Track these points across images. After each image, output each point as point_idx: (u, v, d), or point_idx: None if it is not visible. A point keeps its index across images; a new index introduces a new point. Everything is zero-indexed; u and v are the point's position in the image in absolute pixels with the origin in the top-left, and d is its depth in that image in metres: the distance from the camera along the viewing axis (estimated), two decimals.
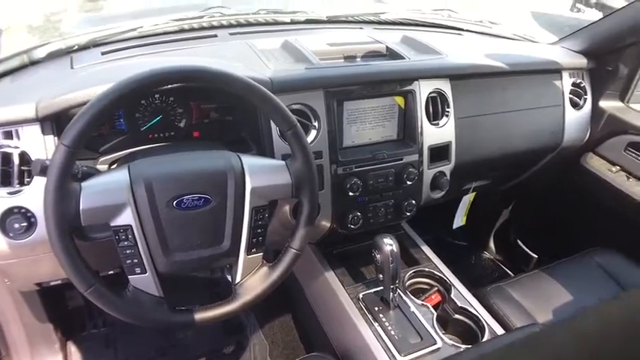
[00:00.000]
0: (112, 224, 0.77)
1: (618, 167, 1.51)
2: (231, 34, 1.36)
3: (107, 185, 0.78)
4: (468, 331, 1.15)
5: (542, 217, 1.79)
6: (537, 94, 1.44)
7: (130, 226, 0.77)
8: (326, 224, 1.18)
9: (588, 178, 1.56)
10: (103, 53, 1.19)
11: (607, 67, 1.51)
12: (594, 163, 1.56)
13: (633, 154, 1.48)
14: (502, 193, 1.80)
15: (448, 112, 1.25)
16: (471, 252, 1.93)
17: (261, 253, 0.90)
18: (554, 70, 1.46)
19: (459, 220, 1.59)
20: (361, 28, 1.52)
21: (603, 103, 1.54)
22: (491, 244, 1.92)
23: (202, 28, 1.37)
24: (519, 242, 1.84)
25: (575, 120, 1.51)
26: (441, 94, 1.24)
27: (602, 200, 1.54)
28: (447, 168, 1.28)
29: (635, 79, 1.52)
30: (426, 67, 1.22)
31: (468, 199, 1.55)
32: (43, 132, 0.90)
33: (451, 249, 1.94)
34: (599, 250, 1.44)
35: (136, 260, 0.79)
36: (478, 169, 1.43)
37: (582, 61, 1.49)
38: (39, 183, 0.86)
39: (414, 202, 1.23)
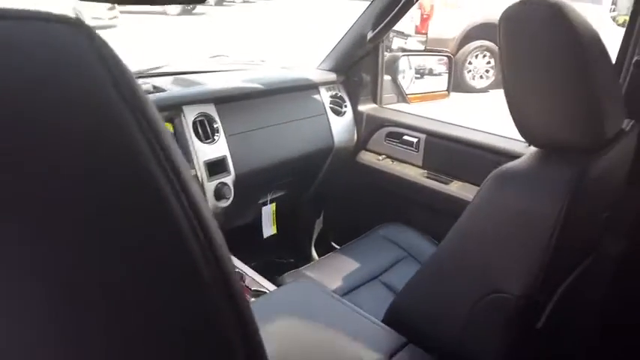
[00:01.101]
0: None
1: (384, 155, 1.81)
2: None
3: None
4: None
5: (347, 216, 2.03)
6: (301, 107, 1.70)
7: None
8: None
9: (365, 170, 1.84)
10: None
11: (354, 79, 1.83)
12: (366, 157, 1.85)
13: (391, 142, 1.78)
14: (311, 204, 2.02)
15: (217, 129, 1.45)
16: (298, 267, 2.11)
17: None
18: (312, 86, 1.75)
19: (268, 229, 1.77)
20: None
21: (362, 107, 1.85)
22: (314, 254, 2.11)
23: None
24: (334, 245, 2.06)
25: (340, 125, 1.79)
26: (207, 116, 1.44)
27: (380, 186, 1.82)
28: (228, 179, 1.46)
29: (379, 84, 1.86)
30: (184, 95, 1.42)
31: (268, 209, 1.74)
32: None
33: (279, 268, 2.10)
34: (384, 225, 1.69)
35: None
36: (265, 178, 1.63)
37: (333, 77, 1.80)
38: None
39: None
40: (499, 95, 0.93)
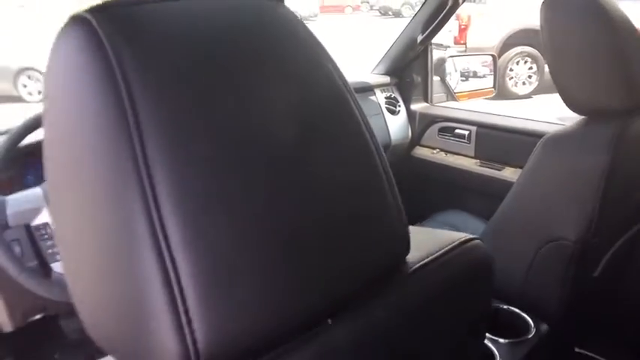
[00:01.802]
0: (33, 224, 1.02)
1: (438, 149, 1.95)
2: None
3: (27, 197, 1.04)
4: None
5: (406, 208, 2.17)
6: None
7: (47, 223, 1.03)
8: None
9: (420, 164, 1.99)
10: None
11: (406, 80, 1.99)
12: (421, 152, 2.00)
13: (444, 136, 1.93)
14: None
15: None
16: None
17: None
18: (368, 89, 1.92)
19: None
20: None
21: (414, 106, 2.00)
22: None
23: None
24: None
25: (395, 123, 1.95)
26: None
27: (435, 177, 1.96)
28: None
29: (429, 84, 2.01)
30: None
31: None
32: None
33: None
34: (443, 212, 1.83)
35: (56, 249, 1.04)
36: None
37: (387, 79, 1.97)
38: None
39: None
40: (543, 100, 1.07)
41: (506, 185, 1.71)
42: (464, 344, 0.55)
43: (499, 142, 1.77)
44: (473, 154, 1.84)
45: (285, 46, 0.42)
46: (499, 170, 1.75)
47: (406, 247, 0.47)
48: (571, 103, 1.05)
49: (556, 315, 1.03)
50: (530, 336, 0.95)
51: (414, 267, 0.47)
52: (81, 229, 0.35)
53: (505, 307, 1.02)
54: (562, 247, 0.99)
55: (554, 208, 1.01)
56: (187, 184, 0.33)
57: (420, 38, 1.80)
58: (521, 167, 1.73)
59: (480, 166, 1.81)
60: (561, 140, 1.03)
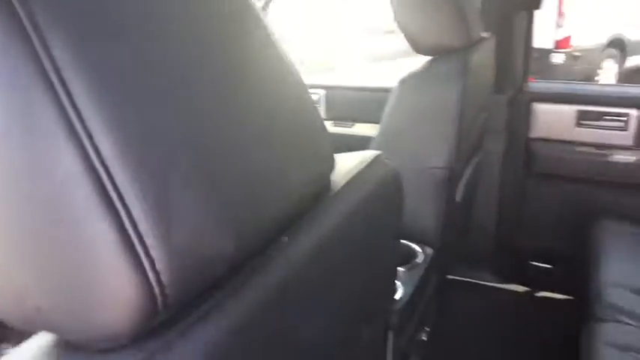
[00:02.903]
0: None
1: None
2: None
3: None
4: None
5: None
6: None
7: None
8: None
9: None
10: None
11: None
12: None
13: None
14: None
15: None
16: None
17: None
18: None
19: None
20: None
21: None
22: None
23: None
24: None
25: None
26: None
27: None
28: None
29: None
30: None
31: None
32: None
33: None
34: None
35: None
36: None
37: None
38: None
39: None
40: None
41: (358, 140, 1.81)
42: (384, 251, 0.58)
43: (347, 102, 1.85)
44: (324, 117, 1.90)
45: None
46: (350, 127, 1.84)
47: (332, 166, 0.47)
48: (417, 46, 1.14)
49: (436, 241, 1.12)
50: (420, 260, 1.01)
51: (342, 184, 0.48)
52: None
53: None
54: (434, 175, 1.07)
55: (420, 139, 1.09)
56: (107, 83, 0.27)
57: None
58: (369, 122, 1.84)
59: (334, 126, 1.88)
60: (416, 79, 1.11)
